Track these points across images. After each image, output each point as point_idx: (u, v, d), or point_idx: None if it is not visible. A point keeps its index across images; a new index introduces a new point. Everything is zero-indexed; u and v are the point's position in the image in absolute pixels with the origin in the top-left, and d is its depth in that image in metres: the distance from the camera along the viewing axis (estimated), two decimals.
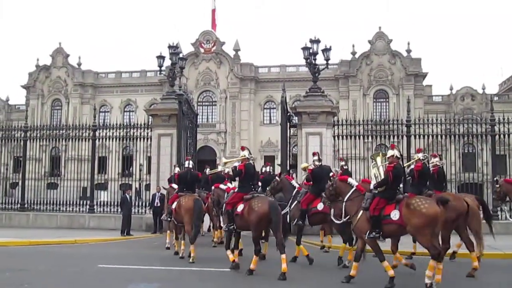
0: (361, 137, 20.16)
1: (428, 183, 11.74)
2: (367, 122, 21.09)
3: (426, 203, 8.72)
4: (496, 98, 52.48)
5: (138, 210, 20.86)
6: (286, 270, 9.81)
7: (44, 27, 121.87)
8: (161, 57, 21.87)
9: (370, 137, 21.29)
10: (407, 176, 11.33)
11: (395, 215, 8.91)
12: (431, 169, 12.39)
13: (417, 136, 19.68)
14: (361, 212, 9.36)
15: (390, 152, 9.71)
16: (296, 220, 12.24)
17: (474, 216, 10.40)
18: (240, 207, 10.81)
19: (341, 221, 10.52)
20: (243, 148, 11.88)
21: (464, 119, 23.49)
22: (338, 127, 19.85)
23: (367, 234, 9.16)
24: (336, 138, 19.80)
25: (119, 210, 19.91)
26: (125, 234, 18.54)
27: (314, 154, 12.73)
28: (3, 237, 16.51)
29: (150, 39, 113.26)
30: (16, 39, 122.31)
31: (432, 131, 19.73)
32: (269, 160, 53.43)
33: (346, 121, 20.03)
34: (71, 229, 20.11)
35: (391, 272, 8.95)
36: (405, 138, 19.85)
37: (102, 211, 21.64)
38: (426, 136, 19.73)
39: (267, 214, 10.28)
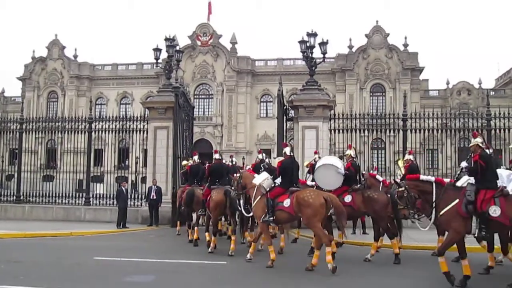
0: (358, 131, 20.14)
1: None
2: (363, 116, 21.07)
3: (216, 193, 12.65)
4: (492, 93, 52.55)
5: (134, 203, 20.86)
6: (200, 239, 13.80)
7: (40, 18, 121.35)
8: (157, 50, 21.75)
9: (366, 131, 21.28)
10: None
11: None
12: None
13: (413, 130, 19.71)
14: None
15: (214, 155, 14.14)
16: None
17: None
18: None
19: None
20: (194, 153, 16.35)
21: (460, 114, 23.49)
22: (334, 121, 19.84)
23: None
24: (332, 131, 19.80)
25: (115, 202, 19.87)
26: (121, 226, 18.55)
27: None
28: None
29: (147, 32, 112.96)
30: (12, 31, 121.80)
31: (428, 125, 19.73)
32: (266, 153, 53.55)
33: (343, 115, 20.00)
34: (67, 222, 20.10)
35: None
36: (401, 132, 19.88)
37: (98, 204, 21.62)
38: (422, 130, 19.74)
39: (184, 199, 14.80)
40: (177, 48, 22.59)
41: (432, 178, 9.26)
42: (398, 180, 9.96)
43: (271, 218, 10.53)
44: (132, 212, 19.99)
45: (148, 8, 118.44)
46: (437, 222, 9.23)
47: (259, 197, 10.87)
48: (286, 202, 10.35)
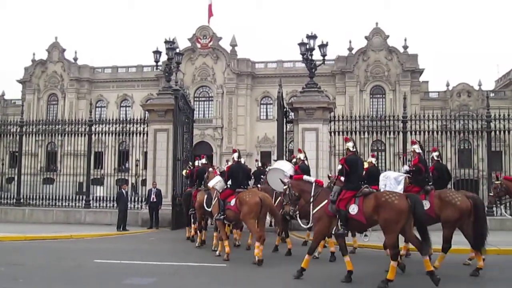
0: (358, 133, 20.15)
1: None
2: (363, 118, 21.05)
3: (199, 194, 14.10)
4: (492, 95, 52.49)
5: (134, 205, 20.87)
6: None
7: (41, 21, 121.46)
8: (157, 52, 21.76)
9: (366, 133, 21.30)
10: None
11: None
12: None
13: (413, 132, 19.69)
14: None
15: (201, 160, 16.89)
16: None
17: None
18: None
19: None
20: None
21: (460, 116, 23.51)
22: (334, 123, 19.85)
23: None
24: (332, 133, 19.81)
25: (115, 205, 19.88)
26: (121, 229, 18.55)
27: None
28: None
29: (147, 34, 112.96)
30: (12, 34, 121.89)
31: (428, 127, 19.73)
32: (266, 155, 53.59)
33: (343, 117, 20.00)
34: (67, 224, 20.10)
35: None
36: (401, 134, 19.88)
37: (98, 206, 21.61)
38: (422, 132, 19.72)
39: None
40: (177, 50, 22.61)
41: (312, 179, 10.18)
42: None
43: (222, 216, 11.98)
44: (132, 215, 19.99)
45: (148, 11, 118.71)
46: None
47: (216, 198, 12.34)
48: (232, 202, 11.78)
